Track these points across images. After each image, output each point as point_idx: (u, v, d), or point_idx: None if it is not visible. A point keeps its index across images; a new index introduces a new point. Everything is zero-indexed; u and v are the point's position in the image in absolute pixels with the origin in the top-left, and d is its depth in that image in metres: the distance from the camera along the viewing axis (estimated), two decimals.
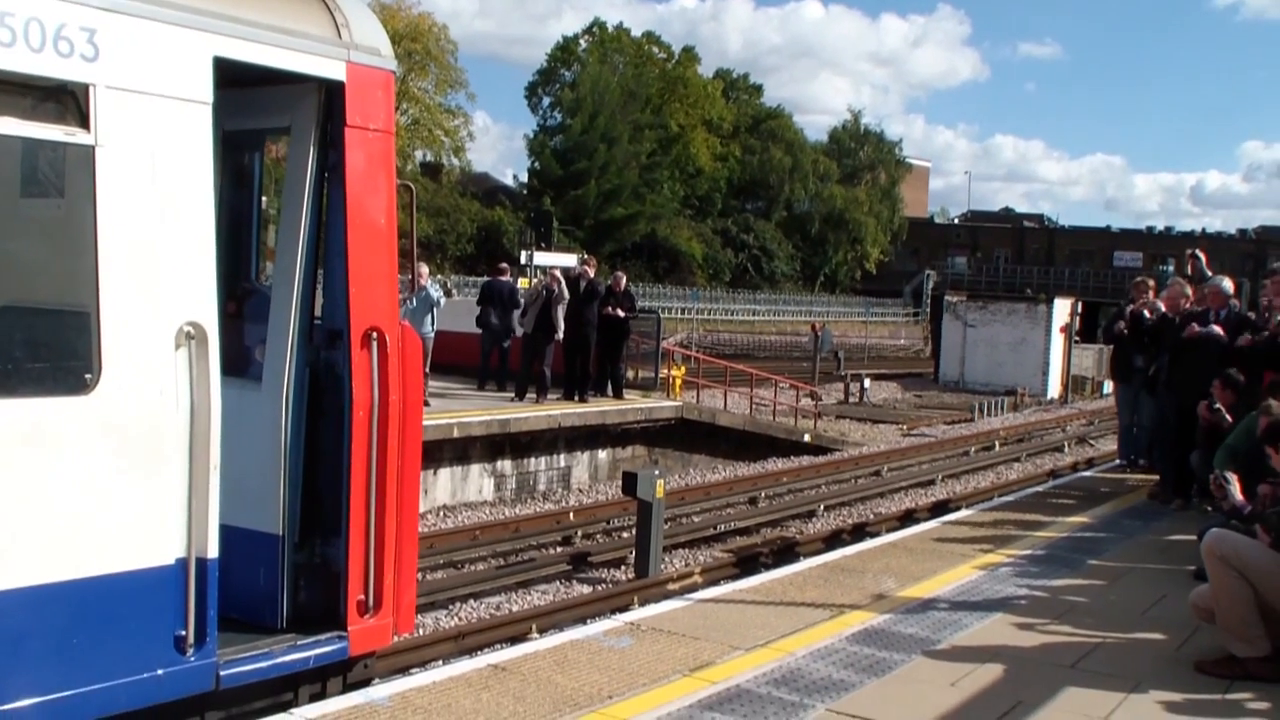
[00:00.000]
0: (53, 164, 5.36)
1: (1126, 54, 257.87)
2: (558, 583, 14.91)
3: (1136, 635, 8.12)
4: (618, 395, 24.09)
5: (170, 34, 5.41)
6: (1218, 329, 12.96)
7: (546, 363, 22.72)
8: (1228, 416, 11.42)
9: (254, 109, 6.64)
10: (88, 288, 5.18)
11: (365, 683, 6.98)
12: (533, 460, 21.41)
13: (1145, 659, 7.59)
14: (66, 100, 5.12)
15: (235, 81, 5.98)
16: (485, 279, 26.35)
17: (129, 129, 5.25)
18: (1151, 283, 16.05)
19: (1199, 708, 6.75)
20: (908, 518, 18.94)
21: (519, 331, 23.13)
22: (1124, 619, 8.51)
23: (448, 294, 26.94)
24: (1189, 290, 14.27)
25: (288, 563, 6.47)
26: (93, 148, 5.12)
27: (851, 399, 42.49)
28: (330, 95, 6.37)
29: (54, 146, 5.19)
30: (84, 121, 5.12)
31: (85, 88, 5.11)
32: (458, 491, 19.83)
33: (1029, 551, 10.97)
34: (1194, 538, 10.14)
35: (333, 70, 6.23)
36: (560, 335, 22.55)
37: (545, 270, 27.32)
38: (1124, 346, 16.11)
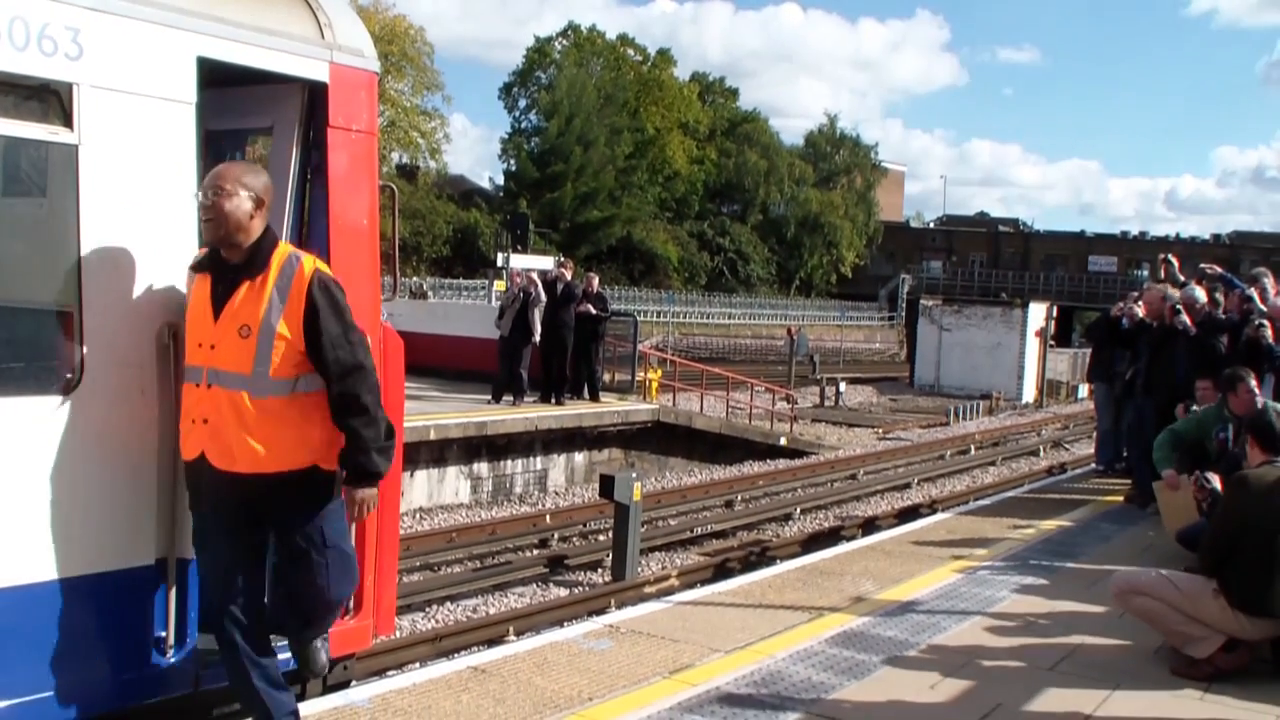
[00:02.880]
0: (35, 163, 5.33)
1: (1104, 59, 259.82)
2: (535, 585, 14.90)
3: (1115, 638, 8.15)
4: (594, 398, 24.08)
5: (154, 33, 5.39)
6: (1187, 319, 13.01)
7: (523, 365, 22.69)
8: None
9: (237, 109, 6.61)
10: (69, 288, 5.16)
11: (344, 685, 6.95)
12: (509, 463, 21.39)
13: (1124, 661, 7.63)
14: (50, 99, 5.09)
15: (218, 81, 5.96)
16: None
17: (112, 128, 5.23)
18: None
19: (1178, 708, 6.80)
20: (884, 520, 18.97)
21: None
22: (1102, 622, 8.54)
23: (423, 296, 26.92)
24: (1175, 293, 14.27)
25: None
26: (76, 147, 5.09)
27: (827, 403, 42.61)
28: (313, 96, 6.34)
29: (37, 145, 5.16)
30: (67, 120, 5.09)
31: (69, 87, 5.08)
32: (434, 494, 19.80)
33: (1007, 554, 11.01)
34: (1171, 540, 10.26)
35: (316, 71, 6.21)
36: (537, 338, 22.54)
37: (520, 273, 27.25)
38: (1105, 350, 16.22)
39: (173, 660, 5.54)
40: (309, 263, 5.26)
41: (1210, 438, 10.93)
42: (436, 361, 24.78)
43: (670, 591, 12.94)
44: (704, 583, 12.76)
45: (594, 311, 23.47)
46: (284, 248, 5.33)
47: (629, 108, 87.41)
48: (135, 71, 5.33)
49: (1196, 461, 10.59)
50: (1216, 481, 8.00)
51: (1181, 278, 15.25)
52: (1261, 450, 7.45)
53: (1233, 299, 13.67)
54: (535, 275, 23.40)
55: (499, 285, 29.28)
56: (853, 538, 15.74)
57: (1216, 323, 13.27)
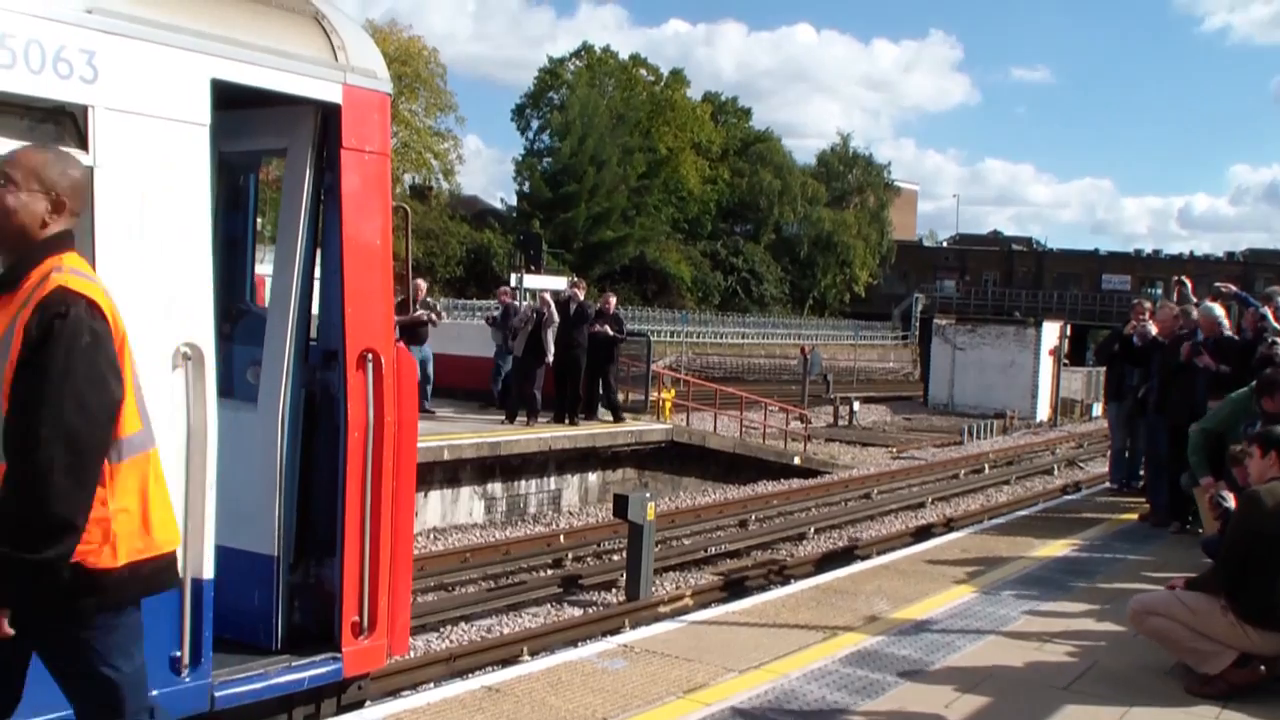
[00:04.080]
0: None
1: (1117, 78, 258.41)
2: (548, 605, 14.87)
3: (1130, 657, 8.11)
4: (617, 419, 23.99)
5: (168, 56, 5.43)
6: (1209, 360, 12.96)
7: (537, 385, 22.70)
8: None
9: (251, 130, 6.66)
10: None
11: (359, 704, 6.96)
12: (523, 483, 21.38)
13: (1139, 680, 7.59)
14: (65, 121, 5.13)
15: (232, 103, 5.99)
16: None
17: (127, 150, 5.27)
18: (1148, 305, 16.06)
19: None
20: (899, 540, 18.93)
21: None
22: (1117, 641, 8.50)
23: (437, 316, 26.91)
24: (1193, 312, 14.21)
25: (283, 583, 6.46)
26: (91, 169, 5.13)
27: (841, 422, 42.56)
28: (326, 117, 6.39)
29: None
30: (82, 143, 5.13)
31: (84, 109, 5.13)
32: (448, 514, 19.80)
33: (1020, 573, 10.98)
34: (1186, 558, 10.22)
35: (329, 92, 6.25)
36: (550, 358, 22.54)
37: (508, 291, 27.32)
38: (1117, 368, 16.19)
39: (188, 680, 5.55)
40: (59, 279, 3.85)
41: (1238, 429, 10.89)
42: (450, 382, 24.82)
43: (684, 611, 12.90)
44: (718, 602, 12.74)
45: (610, 332, 23.45)
46: (53, 260, 3.92)
47: (642, 128, 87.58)
48: (150, 94, 5.37)
49: (1215, 468, 10.58)
50: (1231, 500, 7.98)
51: (1195, 299, 15.23)
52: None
53: (1248, 317, 13.64)
54: (549, 296, 23.42)
55: None
56: (866, 557, 15.69)
57: (1227, 343, 13.23)
